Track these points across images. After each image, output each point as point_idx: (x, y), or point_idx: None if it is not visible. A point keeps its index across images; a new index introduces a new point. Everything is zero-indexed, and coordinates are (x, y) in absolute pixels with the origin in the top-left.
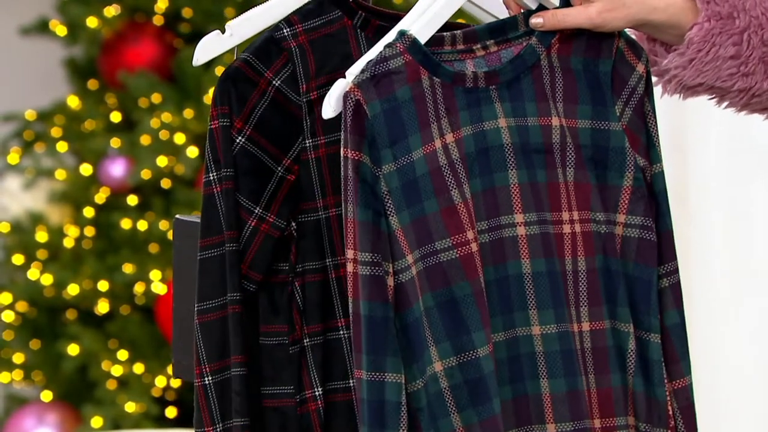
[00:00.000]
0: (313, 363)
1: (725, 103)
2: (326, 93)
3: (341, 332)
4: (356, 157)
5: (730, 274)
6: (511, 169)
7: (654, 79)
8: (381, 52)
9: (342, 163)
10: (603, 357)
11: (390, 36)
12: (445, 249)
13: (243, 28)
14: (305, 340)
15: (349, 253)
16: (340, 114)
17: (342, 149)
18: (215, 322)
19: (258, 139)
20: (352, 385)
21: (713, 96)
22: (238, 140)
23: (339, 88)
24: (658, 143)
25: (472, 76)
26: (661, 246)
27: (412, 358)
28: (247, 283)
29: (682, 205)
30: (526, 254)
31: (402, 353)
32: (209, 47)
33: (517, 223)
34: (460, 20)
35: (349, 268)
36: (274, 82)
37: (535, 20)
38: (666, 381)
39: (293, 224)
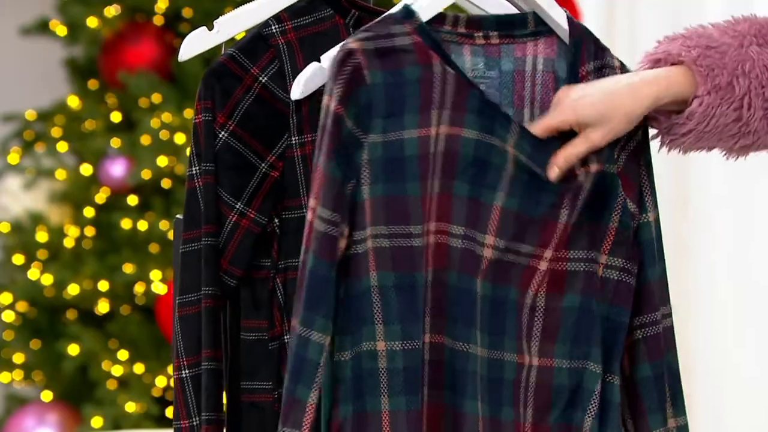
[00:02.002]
0: None
1: (733, 157)
2: (316, 91)
3: None
4: (339, 111)
5: (732, 275)
6: (501, 191)
7: (652, 131)
8: (388, 27)
9: (322, 112)
10: (545, 394)
11: (394, 9)
12: (417, 234)
13: (231, 25)
14: (285, 337)
15: (311, 202)
16: None
17: (325, 98)
18: (193, 315)
19: (241, 135)
20: None
21: (719, 150)
22: (220, 135)
23: (309, 70)
24: (652, 193)
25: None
26: (640, 296)
27: (347, 329)
28: (227, 278)
29: (684, 208)
30: (482, 275)
31: (337, 320)
32: (195, 43)
33: (486, 244)
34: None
35: (309, 216)
36: (260, 78)
37: (553, 174)
38: None
39: (276, 221)
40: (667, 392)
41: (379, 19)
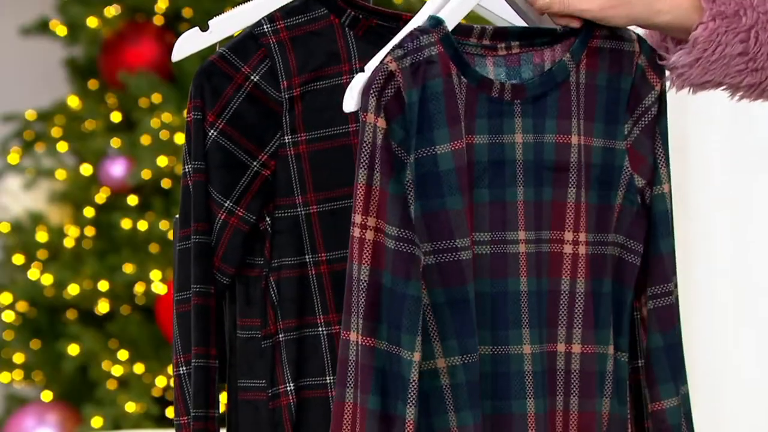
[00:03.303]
0: (286, 358)
1: (738, 96)
2: (311, 90)
3: (319, 329)
4: (384, 127)
5: (731, 276)
6: (519, 186)
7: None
8: (417, 38)
9: (367, 129)
10: (590, 381)
11: (420, 19)
12: (463, 248)
13: (224, 25)
14: (280, 335)
15: (370, 221)
16: (323, 113)
17: (369, 116)
18: (188, 313)
19: (231, 133)
20: (328, 382)
21: (725, 90)
22: (210, 133)
23: (359, 82)
24: (666, 165)
25: (499, 87)
26: (650, 268)
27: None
28: (220, 276)
29: (683, 205)
30: (524, 272)
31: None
32: (188, 43)
33: (520, 240)
34: (462, 21)
35: (358, 233)
36: (251, 77)
37: (543, 2)
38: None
39: (267, 219)
40: (678, 362)
41: (408, 29)
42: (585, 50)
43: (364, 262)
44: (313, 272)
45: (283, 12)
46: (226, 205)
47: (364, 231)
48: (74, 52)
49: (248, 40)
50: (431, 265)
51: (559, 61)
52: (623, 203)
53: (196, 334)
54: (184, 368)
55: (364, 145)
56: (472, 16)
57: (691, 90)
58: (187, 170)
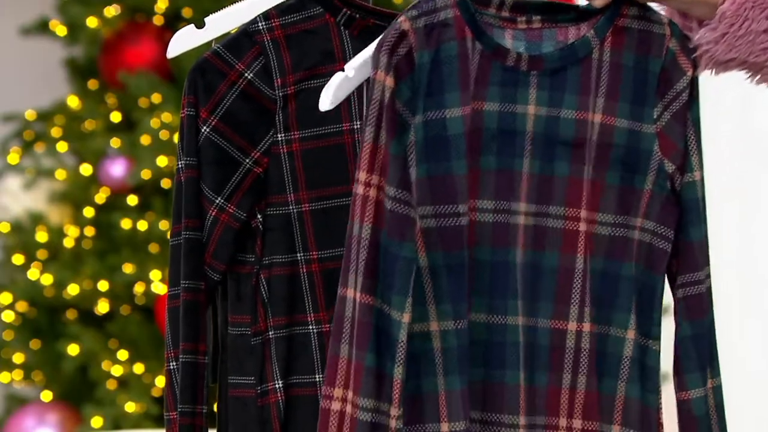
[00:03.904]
0: (275, 356)
1: (758, 77)
2: (305, 88)
3: (310, 327)
4: (392, 86)
5: (737, 269)
6: (526, 157)
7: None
8: (434, 0)
9: (375, 87)
10: (601, 361)
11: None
12: (463, 213)
13: (220, 22)
14: (270, 333)
15: (373, 178)
16: (317, 111)
17: (379, 73)
18: (178, 308)
19: (223, 130)
20: (317, 380)
21: (747, 71)
22: (203, 130)
23: (336, 80)
24: (698, 152)
25: (515, 56)
26: (681, 255)
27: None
28: (211, 272)
29: None
30: (522, 244)
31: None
32: (183, 41)
33: (521, 211)
34: None
35: (367, 191)
36: (245, 75)
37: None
38: (675, 391)
39: (259, 216)
40: (707, 352)
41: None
42: (611, 28)
43: (365, 220)
44: (305, 270)
45: (278, 10)
46: (217, 201)
47: (368, 189)
48: (74, 52)
49: (243, 38)
50: (431, 228)
51: (582, 37)
52: (653, 189)
53: (184, 330)
54: (174, 363)
55: (373, 102)
56: None
57: (714, 71)
58: (180, 166)
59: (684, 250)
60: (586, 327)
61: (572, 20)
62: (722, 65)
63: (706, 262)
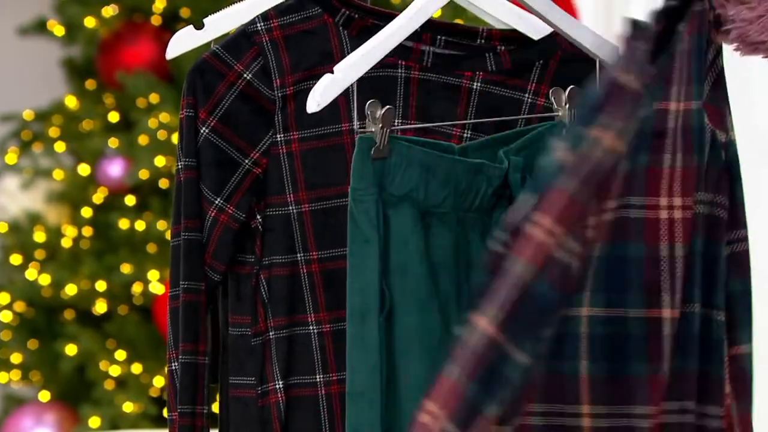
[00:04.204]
0: (276, 356)
1: None
2: (304, 89)
3: (310, 327)
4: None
5: None
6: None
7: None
8: None
9: (596, 147)
10: (660, 344)
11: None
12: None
13: (219, 23)
14: (270, 333)
15: (556, 228)
16: (316, 112)
17: (606, 136)
18: (179, 309)
19: (222, 131)
20: (317, 380)
21: None
22: (202, 131)
23: (324, 82)
24: (730, 113)
25: None
26: (730, 214)
27: None
28: (211, 273)
29: None
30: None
31: None
32: (183, 41)
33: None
34: (458, 20)
35: (544, 237)
36: (245, 75)
37: None
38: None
39: (258, 217)
40: (751, 311)
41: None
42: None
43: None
44: (305, 271)
45: (277, 11)
46: (217, 202)
47: (545, 235)
48: (72, 52)
49: (241, 38)
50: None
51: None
52: (710, 161)
53: (183, 331)
54: (175, 364)
55: (589, 160)
56: (470, 16)
57: (741, 51)
58: (179, 167)
59: (731, 207)
60: (686, 309)
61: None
62: (750, 47)
63: (746, 220)
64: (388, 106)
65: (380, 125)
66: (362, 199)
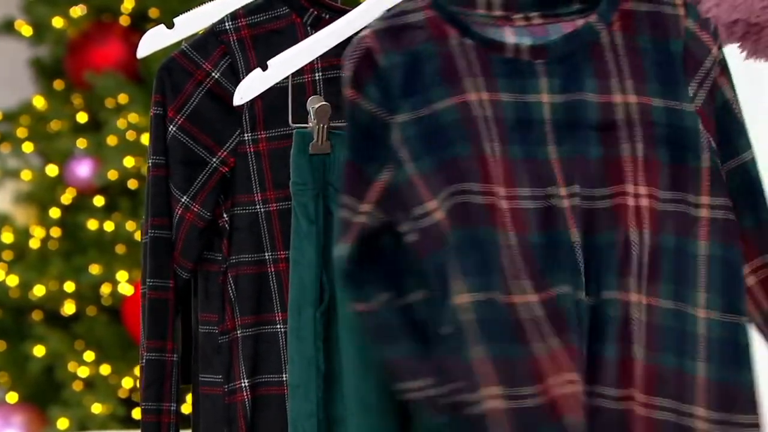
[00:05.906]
0: (242, 354)
1: (760, 44)
2: (270, 88)
3: (278, 326)
4: (355, 98)
5: None
6: (551, 144)
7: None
8: (402, 6)
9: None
10: (656, 333)
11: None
12: (477, 192)
13: (189, 23)
14: (237, 331)
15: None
16: (283, 110)
17: (343, 89)
18: (146, 305)
19: (190, 129)
20: (284, 379)
21: (750, 36)
22: (170, 129)
23: (250, 77)
24: (743, 130)
25: (514, 48)
26: (753, 238)
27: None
28: (180, 270)
29: None
30: (573, 225)
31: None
32: (153, 41)
33: (563, 195)
34: None
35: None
36: (212, 74)
37: None
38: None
39: (225, 216)
40: None
41: (346, 20)
42: (616, 13)
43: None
44: (272, 270)
45: (246, 10)
46: (183, 200)
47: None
48: (40, 52)
49: (209, 37)
50: (449, 209)
51: (585, 24)
52: (711, 166)
53: (149, 328)
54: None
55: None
56: None
57: (724, 41)
58: (149, 164)
59: (754, 232)
60: (652, 301)
61: (577, 12)
62: (729, 29)
63: None
64: (322, 102)
65: (315, 121)
66: (301, 194)
